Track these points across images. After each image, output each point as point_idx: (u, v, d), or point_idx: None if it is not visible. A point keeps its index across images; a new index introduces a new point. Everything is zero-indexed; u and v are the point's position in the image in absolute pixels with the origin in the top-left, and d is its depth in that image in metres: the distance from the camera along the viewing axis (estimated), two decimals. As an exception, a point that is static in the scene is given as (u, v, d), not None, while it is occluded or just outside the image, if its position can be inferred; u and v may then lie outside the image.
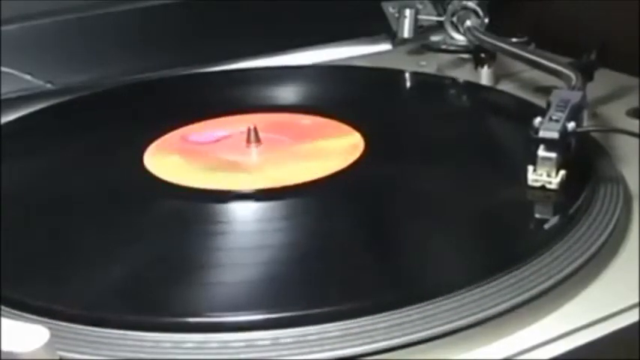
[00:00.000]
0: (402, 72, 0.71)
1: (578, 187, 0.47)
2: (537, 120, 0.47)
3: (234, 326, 0.38)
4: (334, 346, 0.37)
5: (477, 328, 0.38)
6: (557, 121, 0.47)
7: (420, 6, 0.74)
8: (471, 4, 0.71)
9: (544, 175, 0.47)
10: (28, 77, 0.72)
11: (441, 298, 0.39)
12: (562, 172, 0.47)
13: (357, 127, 0.57)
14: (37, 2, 0.74)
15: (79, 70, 0.75)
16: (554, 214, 0.47)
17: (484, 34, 0.68)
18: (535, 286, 0.40)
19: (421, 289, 0.40)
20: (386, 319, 0.38)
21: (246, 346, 0.37)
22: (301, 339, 0.37)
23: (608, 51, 0.62)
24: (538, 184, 0.47)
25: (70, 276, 0.43)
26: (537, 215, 0.48)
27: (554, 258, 0.42)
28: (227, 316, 0.39)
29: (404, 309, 0.38)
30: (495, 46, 0.66)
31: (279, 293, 0.41)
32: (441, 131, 0.58)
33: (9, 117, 0.66)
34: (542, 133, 0.47)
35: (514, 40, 0.69)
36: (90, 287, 0.42)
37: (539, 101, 0.57)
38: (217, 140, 0.58)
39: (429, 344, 0.37)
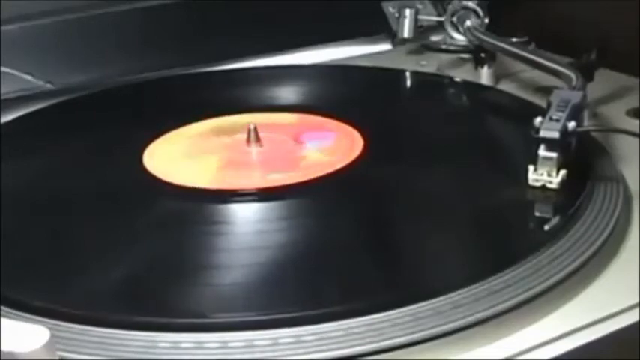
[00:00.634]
0: (402, 72, 0.71)
1: (578, 187, 0.47)
2: (538, 120, 0.47)
3: (234, 326, 0.38)
4: (334, 346, 0.37)
5: (477, 328, 0.38)
6: (557, 120, 0.47)
7: (420, 6, 0.74)
8: (471, 4, 0.71)
9: (545, 174, 0.47)
10: (28, 77, 0.72)
11: (440, 298, 0.39)
12: (562, 172, 0.47)
13: (357, 127, 0.57)
14: (37, 2, 0.74)
15: (79, 70, 0.75)
16: (555, 213, 0.47)
17: (484, 34, 0.68)
18: (535, 286, 0.40)
19: (421, 288, 0.40)
20: (385, 318, 0.38)
21: (246, 346, 0.37)
22: (301, 339, 0.37)
23: (608, 51, 0.62)
24: (539, 184, 0.47)
25: (70, 276, 0.43)
26: (538, 215, 0.48)
27: (554, 258, 0.42)
28: (227, 316, 0.39)
29: (403, 309, 0.38)
30: (495, 46, 0.66)
31: (278, 293, 0.41)
32: (441, 131, 0.58)
33: (9, 117, 0.66)
34: (542, 133, 0.47)
35: (514, 40, 0.69)
36: (90, 287, 0.42)
37: (540, 101, 0.57)
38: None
39: (429, 344, 0.37)
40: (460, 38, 0.72)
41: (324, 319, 0.38)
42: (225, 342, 0.37)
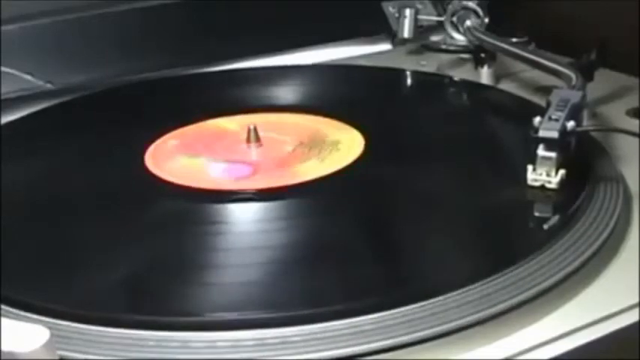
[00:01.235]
0: (402, 71, 0.71)
1: (577, 187, 0.47)
2: (537, 119, 0.47)
3: (239, 325, 0.38)
4: (334, 346, 0.37)
5: (477, 328, 0.38)
6: (556, 120, 0.47)
7: (420, 6, 0.74)
8: (471, 4, 0.71)
9: (544, 174, 0.47)
10: (28, 77, 0.72)
11: (440, 298, 0.39)
12: (562, 172, 0.47)
13: (357, 127, 0.57)
14: (37, 2, 0.74)
15: (79, 70, 0.75)
16: (554, 213, 0.47)
17: (484, 34, 0.68)
18: (535, 286, 0.40)
19: (421, 288, 0.40)
20: (385, 318, 0.38)
21: (255, 345, 0.37)
22: (300, 339, 0.37)
23: (608, 51, 0.62)
24: (538, 184, 0.47)
25: (71, 276, 0.43)
26: (537, 214, 0.48)
27: (554, 257, 0.42)
28: (231, 315, 0.39)
29: (403, 308, 0.38)
30: (495, 46, 0.66)
31: (279, 293, 0.41)
32: (441, 131, 0.58)
33: (9, 117, 0.66)
34: (541, 133, 0.47)
35: (514, 40, 0.69)
36: (90, 287, 0.42)
37: (539, 101, 0.57)
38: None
39: (429, 344, 0.37)
40: (460, 38, 0.72)
41: (324, 319, 0.38)
42: (235, 340, 0.37)
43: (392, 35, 0.78)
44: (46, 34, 0.75)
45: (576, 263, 0.42)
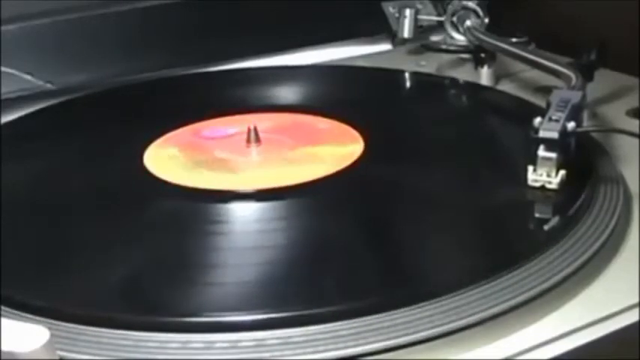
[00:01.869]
0: (402, 72, 0.71)
1: (578, 187, 0.47)
2: (537, 120, 0.47)
3: (238, 326, 0.38)
4: (334, 346, 0.37)
5: (477, 328, 0.38)
6: (557, 121, 0.47)
7: (420, 6, 0.74)
8: (471, 4, 0.71)
9: (544, 175, 0.47)
10: (28, 77, 0.72)
11: (440, 298, 0.39)
12: (562, 172, 0.47)
13: (356, 127, 0.57)
14: (37, 2, 0.74)
15: (79, 70, 0.75)
16: (554, 214, 0.47)
17: (484, 34, 0.68)
18: (535, 286, 0.40)
19: (421, 289, 0.40)
20: (385, 319, 0.38)
21: (256, 346, 0.37)
22: (300, 339, 0.37)
23: (608, 51, 0.62)
24: (538, 184, 0.47)
25: (70, 276, 0.43)
26: (537, 215, 0.48)
27: (555, 258, 0.42)
28: (231, 315, 0.39)
29: (403, 309, 0.38)
30: (495, 46, 0.66)
31: (280, 293, 0.41)
32: (441, 131, 0.58)
33: (9, 117, 0.66)
34: (542, 133, 0.47)
35: (514, 40, 0.69)
36: (90, 287, 0.42)
37: (539, 101, 0.57)
38: (228, 136, 0.58)
39: (429, 344, 0.37)
40: (460, 38, 0.72)
41: (324, 320, 0.38)
42: (235, 342, 0.37)
43: (392, 35, 0.78)
44: (46, 34, 0.75)
45: (577, 263, 0.42)
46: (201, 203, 0.49)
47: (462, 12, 0.71)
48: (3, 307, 0.40)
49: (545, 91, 0.58)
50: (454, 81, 0.69)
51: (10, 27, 0.73)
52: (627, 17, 0.69)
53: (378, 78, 0.70)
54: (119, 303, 0.41)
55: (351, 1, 0.81)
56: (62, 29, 0.75)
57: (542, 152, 0.47)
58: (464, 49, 0.72)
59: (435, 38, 0.77)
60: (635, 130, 0.53)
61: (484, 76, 0.69)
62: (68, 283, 0.42)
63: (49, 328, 0.34)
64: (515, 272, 0.41)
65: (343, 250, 0.45)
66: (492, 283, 0.40)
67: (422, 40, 0.77)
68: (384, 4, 0.75)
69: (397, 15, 0.74)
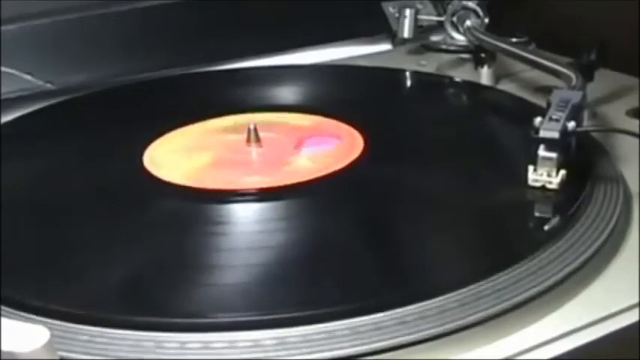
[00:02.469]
0: (402, 72, 0.71)
1: (578, 187, 0.47)
2: (537, 120, 0.47)
3: (237, 326, 0.38)
4: (333, 347, 0.37)
5: (477, 328, 0.38)
6: (557, 120, 0.47)
7: (420, 6, 0.74)
8: (471, 4, 0.71)
9: (544, 174, 0.47)
10: (28, 77, 0.72)
11: (440, 298, 0.39)
12: (562, 172, 0.47)
13: (356, 127, 0.57)
14: (37, 2, 0.74)
15: (79, 70, 0.75)
16: (555, 213, 0.47)
17: (484, 34, 0.68)
18: (535, 286, 0.40)
19: (421, 288, 0.40)
20: (385, 319, 0.38)
21: (253, 346, 0.37)
22: (300, 339, 0.37)
23: (608, 51, 0.62)
24: (538, 184, 0.47)
25: (70, 276, 0.43)
26: (537, 215, 0.48)
27: (555, 257, 0.42)
28: (230, 316, 0.39)
29: (403, 309, 0.38)
30: (495, 46, 0.66)
31: (280, 293, 0.41)
32: (441, 131, 0.58)
33: (9, 117, 0.66)
34: (542, 133, 0.47)
35: (514, 40, 0.69)
36: (90, 287, 0.42)
37: (539, 101, 0.57)
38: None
39: (429, 344, 0.37)
40: (460, 38, 0.72)
41: (324, 320, 0.38)
42: (232, 342, 0.37)
43: (392, 35, 0.78)
44: (46, 34, 0.75)
45: (576, 263, 0.42)
46: (201, 203, 0.49)
47: (462, 12, 0.71)
48: (3, 307, 0.40)
49: (545, 91, 0.58)
50: (454, 81, 0.69)
51: (10, 27, 0.73)
52: (627, 17, 0.69)
53: (379, 78, 0.70)
54: (118, 303, 0.41)
55: (351, 1, 0.81)
56: (62, 29, 0.75)
57: (542, 152, 0.47)
58: (464, 49, 0.72)
59: (435, 38, 0.77)
60: (635, 130, 0.53)
61: (484, 76, 0.69)
62: (68, 283, 0.42)
63: (49, 328, 0.34)
64: (515, 272, 0.41)
65: (342, 250, 0.45)
66: (492, 283, 0.40)
67: (422, 40, 0.77)
68: (384, 4, 0.75)
69: (397, 15, 0.74)
